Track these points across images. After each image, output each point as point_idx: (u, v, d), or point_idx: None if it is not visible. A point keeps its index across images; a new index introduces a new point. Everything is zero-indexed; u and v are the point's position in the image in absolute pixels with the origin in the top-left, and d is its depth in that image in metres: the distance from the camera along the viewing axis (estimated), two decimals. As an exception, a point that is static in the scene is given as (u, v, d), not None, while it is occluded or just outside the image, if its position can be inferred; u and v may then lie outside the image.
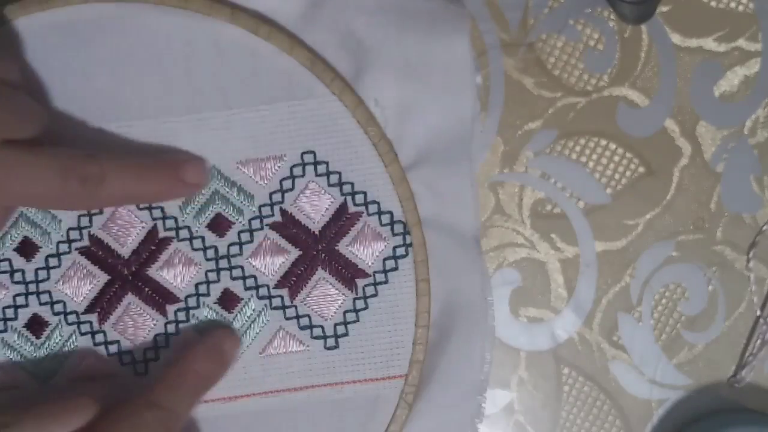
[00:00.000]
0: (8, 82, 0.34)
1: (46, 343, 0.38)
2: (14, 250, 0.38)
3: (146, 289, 0.38)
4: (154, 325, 0.38)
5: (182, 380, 0.35)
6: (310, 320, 0.38)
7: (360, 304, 0.38)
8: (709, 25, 0.41)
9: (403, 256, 0.38)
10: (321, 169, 0.38)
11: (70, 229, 0.38)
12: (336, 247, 0.38)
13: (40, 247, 0.38)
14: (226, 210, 0.38)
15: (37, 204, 0.37)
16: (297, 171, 0.38)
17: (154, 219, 0.38)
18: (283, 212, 0.38)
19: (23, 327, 0.38)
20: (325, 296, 0.38)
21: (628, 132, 0.40)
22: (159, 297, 0.38)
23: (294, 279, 0.38)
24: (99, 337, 0.38)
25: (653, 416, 0.41)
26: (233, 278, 0.38)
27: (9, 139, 0.33)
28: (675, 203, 0.41)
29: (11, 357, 0.38)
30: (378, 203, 0.38)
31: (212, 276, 0.38)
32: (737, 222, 0.41)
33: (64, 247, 0.38)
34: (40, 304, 0.38)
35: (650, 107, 0.41)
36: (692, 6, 0.41)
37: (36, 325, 0.38)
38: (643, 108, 0.41)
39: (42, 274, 0.38)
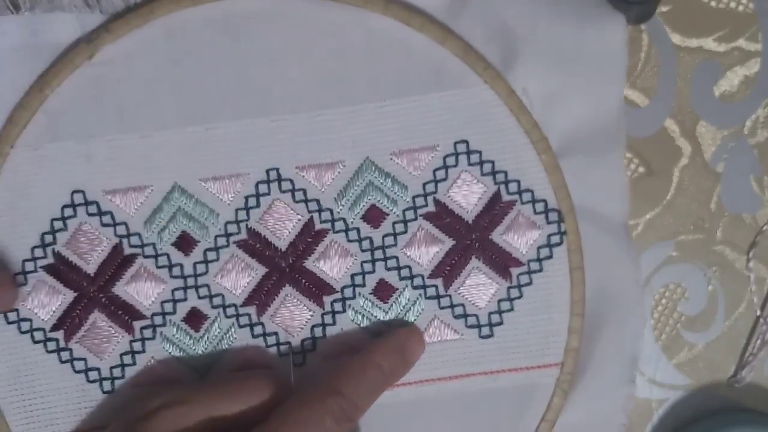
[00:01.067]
0: None
1: (205, 336, 0.38)
2: (172, 244, 0.38)
3: (303, 280, 0.38)
4: (311, 316, 0.38)
5: (365, 373, 0.35)
6: (464, 309, 0.38)
7: (514, 293, 0.38)
8: (709, 25, 0.41)
9: (558, 245, 0.38)
10: (474, 158, 0.38)
11: (227, 222, 0.38)
12: (490, 236, 0.38)
13: (199, 241, 0.38)
14: (381, 201, 0.38)
15: None
16: (450, 161, 0.38)
17: (310, 211, 0.38)
18: (437, 202, 0.38)
19: (182, 321, 0.38)
20: (479, 285, 0.38)
21: (628, 132, 0.40)
22: (316, 288, 0.38)
23: (448, 268, 0.38)
24: (257, 329, 0.38)
25: (653, 416, 0.41)
26: (388, 268, 0.38)
27: None
28: (675, 203, 0.41)
29: (170, 351, 0.38)
30: (532, 192, 0.38)
31: (368, 267, 0.38)
32: (737, 222, 0.41)
33: (222, 241, 0.38)
34: (199, 297, 0.38)
35: (650, 107, 0.41)
36: (692, 6, 0.40)
37: (195, 319, 0.38)
38: (643, 108, 0.41)
39: (200, 267, 0.38)
